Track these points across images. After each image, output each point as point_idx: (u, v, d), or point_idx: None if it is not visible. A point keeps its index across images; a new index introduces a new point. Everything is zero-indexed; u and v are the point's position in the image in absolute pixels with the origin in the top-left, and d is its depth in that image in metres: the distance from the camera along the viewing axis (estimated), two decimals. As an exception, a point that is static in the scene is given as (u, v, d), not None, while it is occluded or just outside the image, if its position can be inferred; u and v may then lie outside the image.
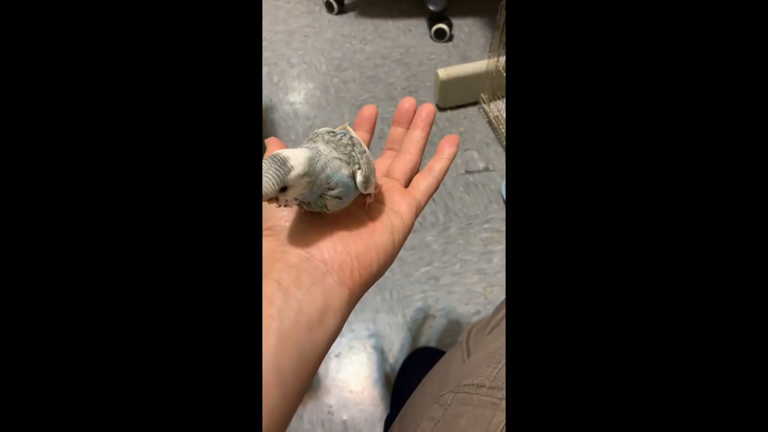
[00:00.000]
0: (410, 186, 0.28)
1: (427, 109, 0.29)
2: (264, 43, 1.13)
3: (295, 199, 0.21)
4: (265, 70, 1.06)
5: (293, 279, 0.21)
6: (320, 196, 0.22)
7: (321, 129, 0.25)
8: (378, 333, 0.68)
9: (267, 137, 0.28)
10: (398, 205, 0.26)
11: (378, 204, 0.26)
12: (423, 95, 1.00)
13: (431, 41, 1.11)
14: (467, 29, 1.14)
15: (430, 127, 0.29)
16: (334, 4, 1.17)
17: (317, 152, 0.22)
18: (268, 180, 0.19)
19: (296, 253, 0.22)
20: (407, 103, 0.29)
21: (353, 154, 0.23)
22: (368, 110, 0.29)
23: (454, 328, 0.69)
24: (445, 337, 0.68)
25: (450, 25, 1.09)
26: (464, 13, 1.17)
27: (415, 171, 0.29)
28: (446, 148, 0.29)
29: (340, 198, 0.22)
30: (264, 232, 0.24)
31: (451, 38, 1.11)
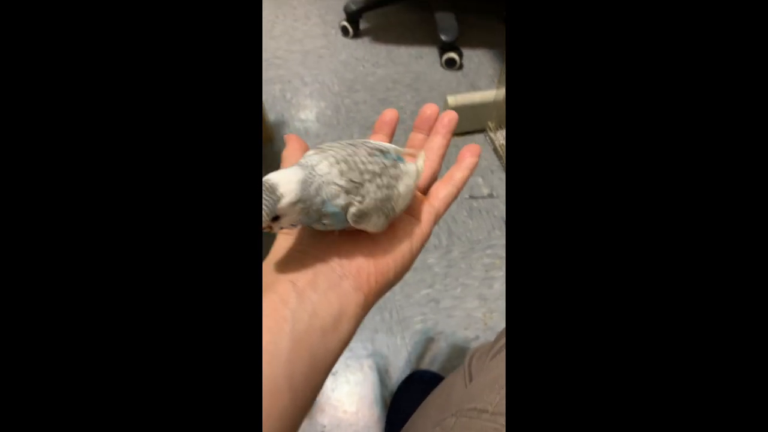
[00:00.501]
0: (429, 194, 0.27)
1: (450, 116, 0.28)
2: (279, 62, 1.16)
3: (292, 225, 0.20)
4: (278, 87, 1.09)
5: (309, 281, 0.20)
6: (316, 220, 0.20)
7: (373, 141, 0.22)
8: (376, 353, 0.68)
9: (278, 153, 0.27)
10: (416, 212, 0.25)
11: None
12: (431, 120, 1.02)
13: (441, 69, 1.14)
14: (477, 59, 1.18)
15: (451, 134, 0.28)
16: (350, 29, 1.21)
17: (311, 173, 0.19)
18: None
19: (313, 255, 0.22)
20: (429, 109, 0.29)
21: (366, 185, 0.20)
22: (389, 114, 0.28)
23: (452, 352, 0.69)
24: (443, 361, 0.68)
25: (460, 55, 1.12)
26: (474, 44, 1.21)
27: (434, 178, 0.28)
28: (467, 158, 0.28)
29: (324, 225, 0.21)
30: (281, 231, 0.23)
31: (461, 67, 1.14)
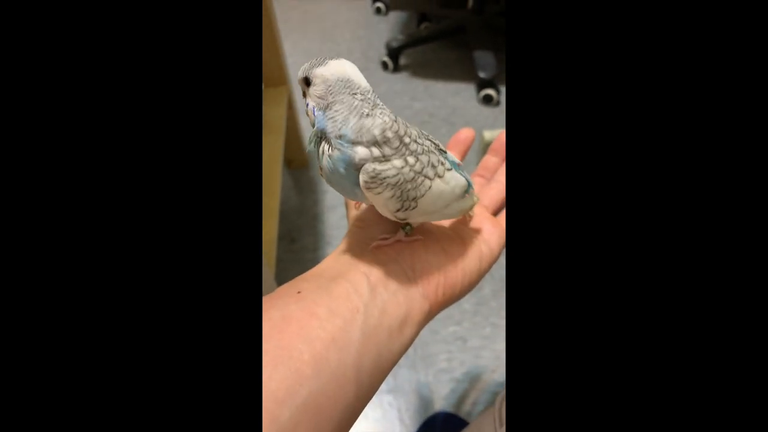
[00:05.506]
0: (500, 217, 0.27)
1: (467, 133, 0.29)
2: (320, 92, 1.20)
3: (314, 109, 0.18)
4: (318, 115, 1.12)
5: (380, 277, 0.20)
6: (323, 140, 0.18)
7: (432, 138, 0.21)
8: (397, 389, 0.65)
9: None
10: (488, 234, 0.25)
11: (467, 227, 0.25)
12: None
13: (478, 105, 1.15)
14: (514, 97, 1.18)
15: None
16: (390, 64, 1.25)
17: (363, 89, 0.18)
18: (303, 66, 0.18)
19: (386, 252, 0.22)
20: (464, 133, 0.29)
21: (399, 151, 0.17)
22: (465, 133, 0.29)
23: (477, 395, 0.65)
24: (467, 405, 0.64)
25: (498, 92, 1.13)
26: (512, 82, 1.22)
27: (505, 202, 0.28)
28: None
29: (322, 169, 0.19)
30: (355, 223, 0.24)
31: (498, 104, 1.15)
